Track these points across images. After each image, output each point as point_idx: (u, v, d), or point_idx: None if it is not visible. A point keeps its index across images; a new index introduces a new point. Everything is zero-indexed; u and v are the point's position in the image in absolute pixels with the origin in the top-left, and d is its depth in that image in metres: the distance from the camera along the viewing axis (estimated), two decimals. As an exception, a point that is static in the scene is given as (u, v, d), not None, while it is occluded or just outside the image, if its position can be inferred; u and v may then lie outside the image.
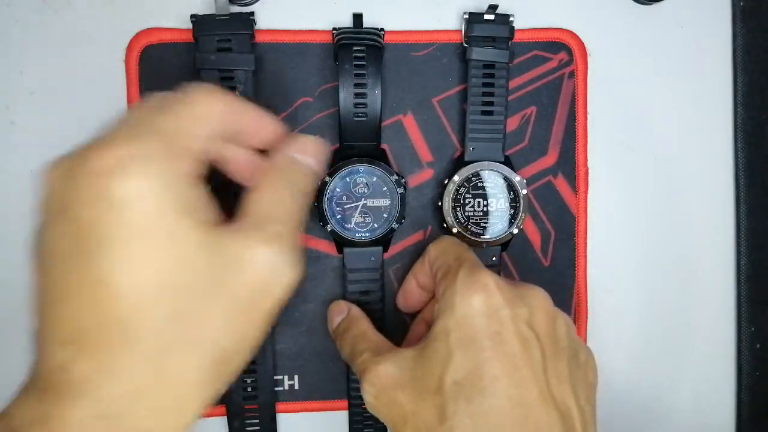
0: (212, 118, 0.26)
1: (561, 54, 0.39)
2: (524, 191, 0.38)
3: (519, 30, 0.38)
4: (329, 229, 0.36)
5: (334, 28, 0.37)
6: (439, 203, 0.38)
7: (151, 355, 0.23)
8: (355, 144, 0.36)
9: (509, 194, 0.38)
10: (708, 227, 0.41)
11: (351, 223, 0.37)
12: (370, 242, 0.37)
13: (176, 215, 0.23)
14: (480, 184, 0.38)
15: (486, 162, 0.38)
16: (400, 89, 0.39)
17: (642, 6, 0.40)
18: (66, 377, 0.22)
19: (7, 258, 0.37)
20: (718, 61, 0.41)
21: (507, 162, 0.38)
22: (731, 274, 0.42)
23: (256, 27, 0.37)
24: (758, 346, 0.42)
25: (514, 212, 0.38)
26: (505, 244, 0.39)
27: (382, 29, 0.37)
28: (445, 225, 0.38)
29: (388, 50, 0.38)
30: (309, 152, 0.29)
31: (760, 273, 0.41)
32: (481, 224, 0.38)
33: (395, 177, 0.36)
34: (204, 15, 0.35)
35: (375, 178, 0.37)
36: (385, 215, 0.37)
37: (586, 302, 0.40)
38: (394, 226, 0.37)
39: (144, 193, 0.22)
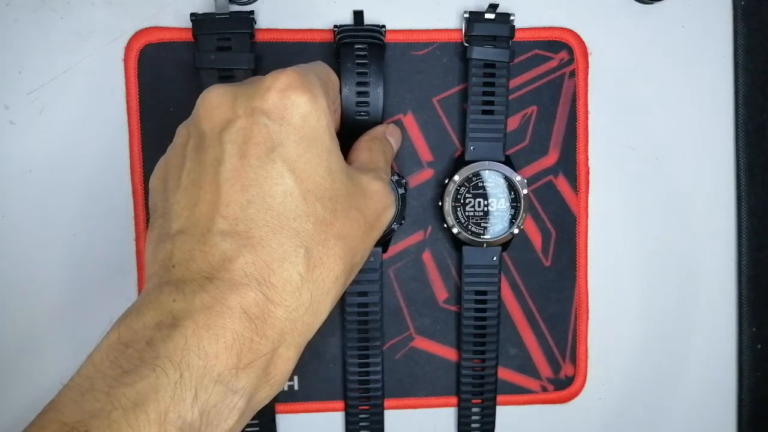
0: (338, 81, 0.33)
1: (562, 53, 0.39)
2: (525, 191, 0.38)
3: (519, 29, 0.38)
4: None
5: (335, 26, 0.37)
6: (440, 203, 0.38)
7: (309, 246, 0.26)
8: None
9: (510, 194, 0.38)
10: (709, 227, 0.41)
11: None
12: None
13: (333, 137, 0.28)
14: (480, 184, 0.38)
15: (486, 162, 0.37)
16: (400, 88, 0.38)
17: (643, 5, 0.40)
18: (230, 266, 0.25)
19: (7, 258, 0.37)
20: (719, 61, 0.41)
21: (507, 162, 0.38)
22: (732, 274, 0.42)
23: (256, 26, 0.37)
24: (759, 346, 0.41)
25: (515, 212, 0.38)
26: (505, 244, 0.38)
27: (384, 26, 0.37)
28: (445, 225, 0.38)
29: (389, 49, 0.38)
30: (394, 136, 0.36)
31: (761, 273, 0.41)
32: (482, 224, 0.38)
33: (395, 177, 0.36)
34: (204, 14, 0.35)
35: None
36: None
37: (587, 302, 0.40)
38: (394, 226, 0.37)
39: (318, 111, 0.27)
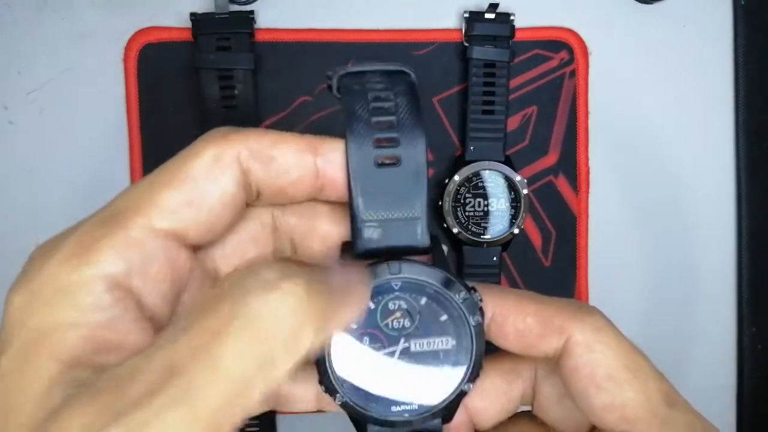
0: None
1: (562, 53, 0.39)
2: (525, 191, 0.37)
3: (520, 29, 0.38)
4: (339, 402, 0.20)
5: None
6: (440, 203, 0.38)
7: None
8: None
9: (510, 194, 0.38)
10: (709, 227, 0.41)
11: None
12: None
13: None
14: (480, 184, 0.38)
15: (486, 162, 0.37)
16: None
17: (643, 5, 0.40)
18: None
19: (7, 258, 0.37)
20: (720, 61, 0.41)
21: (508, 162, 0.38)
22: (732, 274, 0.42)
23: (256, 26, 0.37)
24: (760, 347, 0.41)
25: (515, 212, 0.38)
26: (505, 245, 0.38)
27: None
28: (445, 225, 0.38)
29: (389, 49, 0.38)
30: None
31: (761, 273, 0.41)
32: (482, 224, 0.38)
33: (464, 294, 0.19)
34: (204, 14, 0.35)
35: (424, 298, 0.20)
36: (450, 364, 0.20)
37: (587, 302, 0.40)
38: (466, 388, 0.20)
39: None
